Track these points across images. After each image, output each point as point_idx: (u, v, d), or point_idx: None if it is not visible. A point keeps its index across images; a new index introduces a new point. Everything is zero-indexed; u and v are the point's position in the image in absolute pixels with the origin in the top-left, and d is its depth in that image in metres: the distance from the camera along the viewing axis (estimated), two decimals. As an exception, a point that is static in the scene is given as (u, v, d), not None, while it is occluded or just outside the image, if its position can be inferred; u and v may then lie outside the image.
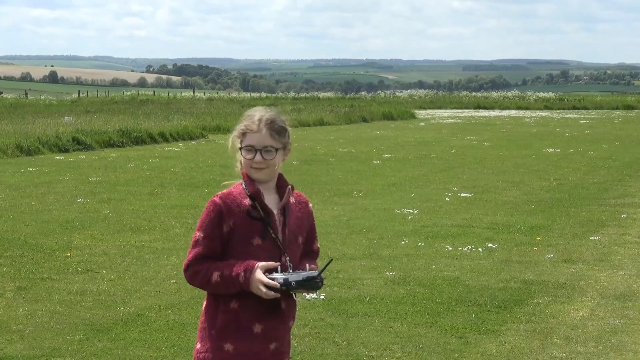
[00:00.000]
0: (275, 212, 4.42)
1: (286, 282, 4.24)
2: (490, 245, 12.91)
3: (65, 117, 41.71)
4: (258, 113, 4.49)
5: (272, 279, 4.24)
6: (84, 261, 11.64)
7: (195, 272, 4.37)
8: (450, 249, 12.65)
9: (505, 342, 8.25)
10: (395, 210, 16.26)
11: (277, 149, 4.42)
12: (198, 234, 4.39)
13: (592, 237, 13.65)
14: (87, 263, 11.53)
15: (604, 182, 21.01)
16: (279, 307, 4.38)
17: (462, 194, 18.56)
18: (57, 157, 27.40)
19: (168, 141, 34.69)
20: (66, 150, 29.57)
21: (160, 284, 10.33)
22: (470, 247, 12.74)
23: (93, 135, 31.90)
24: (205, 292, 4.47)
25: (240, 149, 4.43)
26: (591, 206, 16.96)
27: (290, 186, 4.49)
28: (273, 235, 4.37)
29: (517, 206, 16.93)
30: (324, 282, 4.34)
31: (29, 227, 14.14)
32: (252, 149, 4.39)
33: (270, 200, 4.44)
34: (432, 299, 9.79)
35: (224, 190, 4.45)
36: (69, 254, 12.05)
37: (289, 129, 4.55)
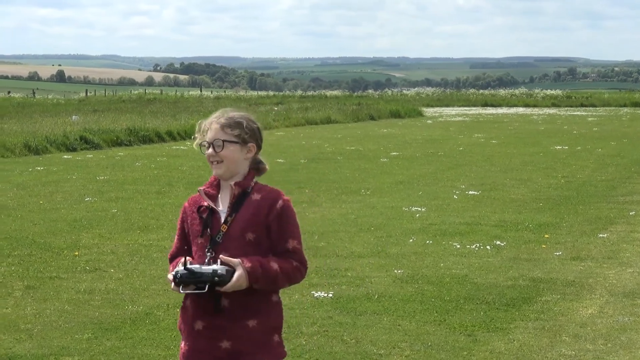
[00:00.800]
0: (224, 209, 4.46)
1: (175, 275, 4.31)
2: (498, 243, 12.89)
3: (73, 116, 41.77)
4: (218, 112, 4.58)
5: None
6: (92, 260, 11.66)
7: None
8: (459, 246, 12.64)
9: (514, 340, 8.24)
10: (403, 208, 16.25)
11: (227, 142, 4.45)
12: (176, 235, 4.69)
13: (601, 235, 13.62)
14: (95, 262, 11.54)
15: (612, 180, 20.97)
16: (217, 305, 4.36)
17: (470, 192, 18.54)
18: (65, 156, 27.44)
19: (175, 140, 34.72)
20: (74, 149, 29.61)
21: (168, 283, 10.32)
22: (478, 244, 12.72)
23: (101, 134, 31.95)
24: None
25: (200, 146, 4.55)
26: (599, 204, 16.93)
27: (233, 182, 4.46)
28: (208, 232, 4.42)
29: (525, 204, 16.90)
30: (220, 279, 4.23)
31: (37, 226, 14.15)
32: (207, 144, 4.49)
33: (227, 198, 4.50)
34: (441, 297, 9.77)
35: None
36: (77, 253, 12.06)
37: (254, 126, 4.55)
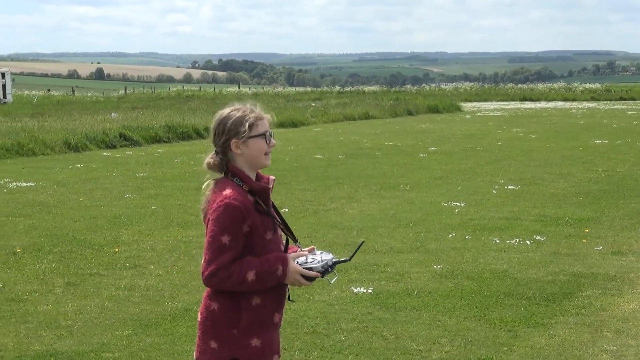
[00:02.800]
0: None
1: (325, 268, 4.32)
2: (538, 237, 12.82)
3: (112, 114, 42.02)
4: (248, 105, 4.50)
5: (309, 269, 4.30)
6: (132, 257, 11.71)
7: (227, 276, 4.25)
8: (498, 241, 12.58)
9: (554, 336, 8.18)
10: (442, 203, 16.20)
11: None
12: (225, 238, 4.25)
13: (642, 229, 13.51)
14: (135, 258, 11.59)
15: (653, 173, 20.79)
16: (289, 294, 4.50)
17: (509, 187, 18.45)
18: (105, 153, 27.60)
19: (214, 136, 34.76)
20: (113, 147, 29.80)
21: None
22: (518, 239, 12.65)
23: (140, 131, 32.13)
24: (203, 296, 4.42)
25: (241, 139, 4.35)
26: (640, 198, 16.79)
27: (273, 178, 4.49)
28: (280, 227, 4.43)
29: (565, 198, 16.79)
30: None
31: (77, 223, 14.24)
32: (266, 134, 4.40)
33: None
34: (481, 292, 9.73)
35: (227, 192, 4.28)
36: (117, 250, 12.11)
37: None
